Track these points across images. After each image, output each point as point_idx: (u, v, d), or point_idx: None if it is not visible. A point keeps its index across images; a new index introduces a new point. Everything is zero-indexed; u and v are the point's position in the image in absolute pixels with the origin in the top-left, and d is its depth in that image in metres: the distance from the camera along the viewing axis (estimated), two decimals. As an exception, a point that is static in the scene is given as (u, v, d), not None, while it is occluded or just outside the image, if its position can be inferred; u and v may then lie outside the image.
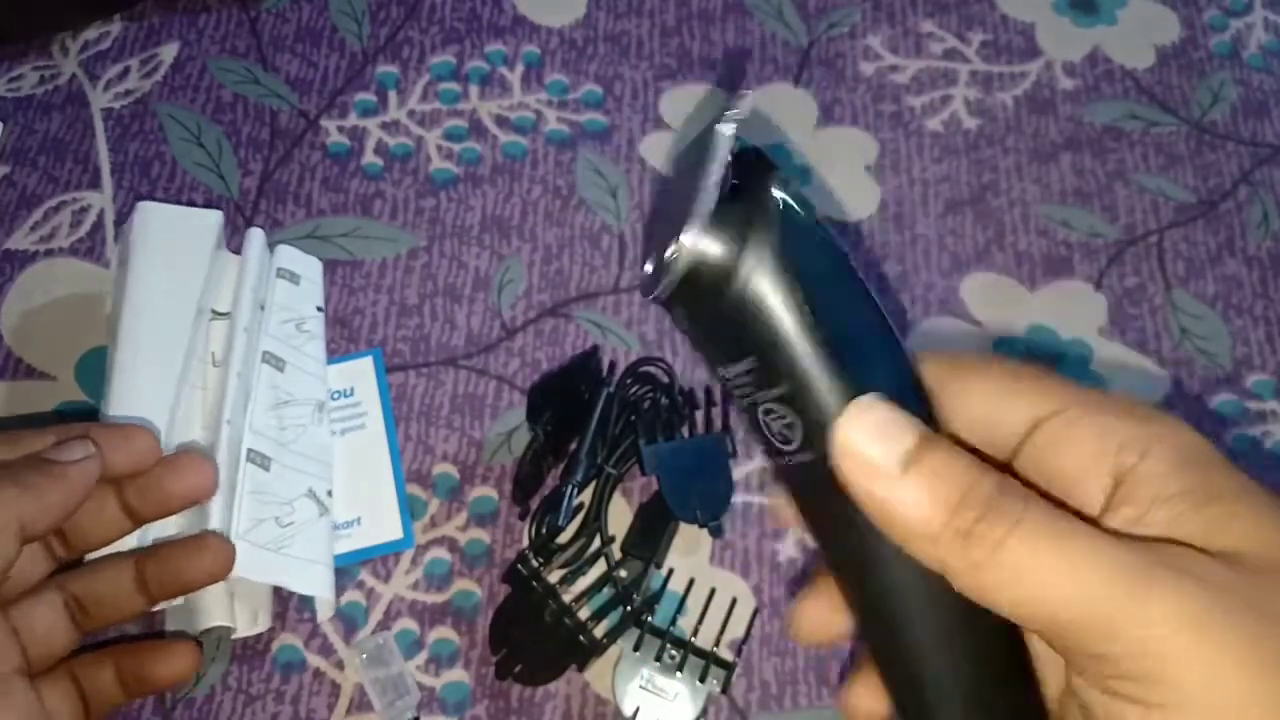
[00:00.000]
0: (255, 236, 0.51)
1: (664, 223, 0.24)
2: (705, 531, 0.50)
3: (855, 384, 0.23)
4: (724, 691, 0.47)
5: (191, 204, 0.57)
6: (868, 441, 0.23)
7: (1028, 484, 0.27)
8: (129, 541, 0.42)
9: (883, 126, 0.62)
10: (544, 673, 0.47)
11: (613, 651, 0.47)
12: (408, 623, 0.49)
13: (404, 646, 0.48)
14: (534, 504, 0.50)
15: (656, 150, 0.61)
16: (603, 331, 0.55)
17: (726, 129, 0.22)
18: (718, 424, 0.52)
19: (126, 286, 0.49)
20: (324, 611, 0.48)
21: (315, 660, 0.48)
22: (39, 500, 0.36)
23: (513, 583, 0.49)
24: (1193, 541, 0.23)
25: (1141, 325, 0.57)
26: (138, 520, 0.41)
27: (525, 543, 0.49)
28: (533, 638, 0.47)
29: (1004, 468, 0.28)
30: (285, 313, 0.51)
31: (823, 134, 0.62)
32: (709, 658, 0.46)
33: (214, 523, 0.44)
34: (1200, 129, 0.63)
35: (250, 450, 0.46)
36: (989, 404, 0.26)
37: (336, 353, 0.54)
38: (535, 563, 0.48)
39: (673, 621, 0.48)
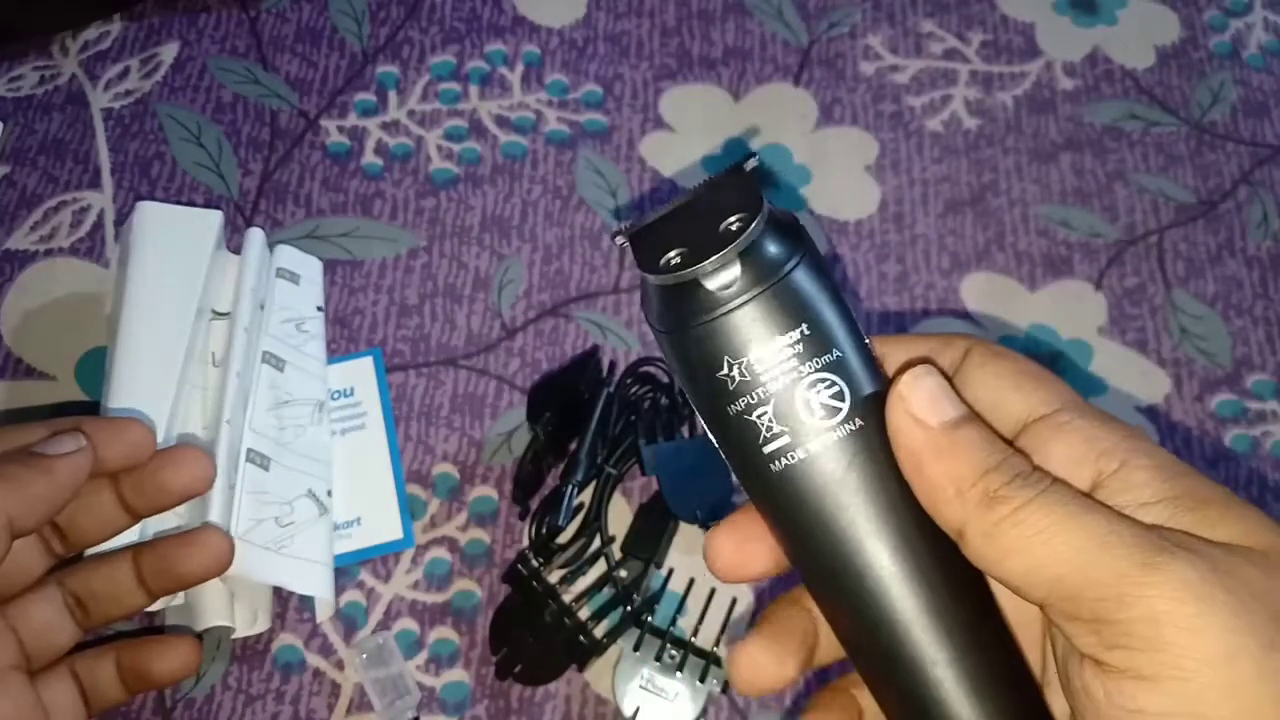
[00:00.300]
0: (255, 236, 0.51)
1: (697, 222, 0.26)
2: (705, 531, 0.50)
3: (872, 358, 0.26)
4: (724, 691, 0.47)
5: (191, 204, 0.57)
6: (922, 403, 0.25)
7: None
8: (130, 538, 0.42)
9: (883, 126, 0.62)
10: (544, 673, 0.47)
11: (613, 651, 0.47)
12: (408, 623, 0.49)
13: (404, 646, 0.48)
14: (534, 504, 0.50)
15: (656, 150, 0.61)
16: (603, 331, 0.55)
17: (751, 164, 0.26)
18: (718, 424, 0.52)
19: (126, 286, 0.49)
20: (324, 611, 0.48)
21: (315, 660, 0.48)
22: (25, 495, 0.35)
23: (513, 583, 0.49)
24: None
25: (1141, 325, 0.57)
26: (135, 515, 0.41)
27: (525, 543, 0.49)
28: (533, 638, 0.47)
29: None
30: (285, 313, 0.51)
31: (823, 134, 0.62)
32: (709, 658, 0.46)
33: (213, 522, 0.43)
34: (1200, 129, 0.63)
35: (250, 450, 0.46)
36: (993, 393, 0.27)
37: (336, 353, 0.54)
38: (535, 563, 0.48)
39: (673, 621, 0.48)
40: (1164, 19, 0.67)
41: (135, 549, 0.41)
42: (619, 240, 0.26)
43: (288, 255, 0.53)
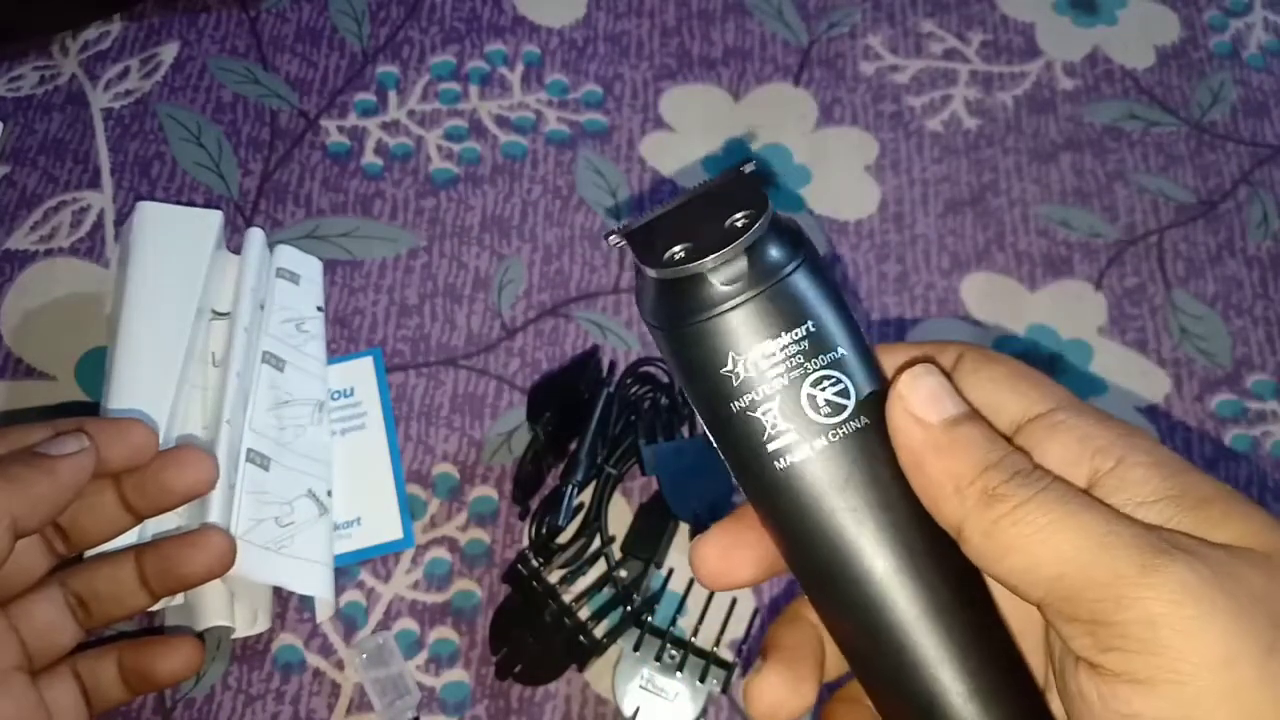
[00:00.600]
0: (255, 236, 0.51)
1: (698, 222, 0.26)
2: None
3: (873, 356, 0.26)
4: (724, 691, 0.47)
5: (191, 204, 0.57)
6: (921, 402, 0.25)
7: None
8: (129, 539, 0.42)
9: (883, 126, 0.62)
10: (544, 673, 0.47)
11: (613, 651, 0.47)
12: (408, 623, 0.49)
13: (404, 646, 0.48)
14: (534, 504, 0.50)
15: (656, 150, 0.61)
16: (603, 331, 0.55)
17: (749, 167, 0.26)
18: (718, 424, 0.52)
19: (126, 286, 0.49)
20: (324, 611, 0.48)
21: (315, 660, 0.48)
22: (29, 494, 0.35)
23: (513, 583, 0.49)
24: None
25: (1141, 325, 0.57)
26: (138, 516, 0.41)
27: (525, 543, 0.49)
28: (533, 638, 0.47)
29: None
30: (285, 313, 0.51)
31: (823, 134, 0.62)
32: (709, 658, 0.46)
33: (213, 522, 0.43)
34: (1200, 129, 0.63)
35: (250, 450, 0.46)
36: (985, 399, 0.27)
37: (336, 353, 0.54)
38: (535, 563, 0.48)
39: (673, 621, 0.48)
40: (1164, 19, 0.67)
41: (137, 549, 0.41)
42: (613, 240, 0.26)
43: (288, 255, 0.53)
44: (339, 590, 0.48)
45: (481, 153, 0.60)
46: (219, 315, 0.50)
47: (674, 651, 0.47)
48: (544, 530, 0.48)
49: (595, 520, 0.49)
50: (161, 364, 0.47)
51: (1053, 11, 0.67)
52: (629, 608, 0.47)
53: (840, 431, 0.25)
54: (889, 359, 0.28)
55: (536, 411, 0.52)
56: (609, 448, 0.50)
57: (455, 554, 0.50)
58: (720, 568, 0.29)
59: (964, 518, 0.24)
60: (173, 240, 0.50)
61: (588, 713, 0.47)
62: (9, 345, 0.53)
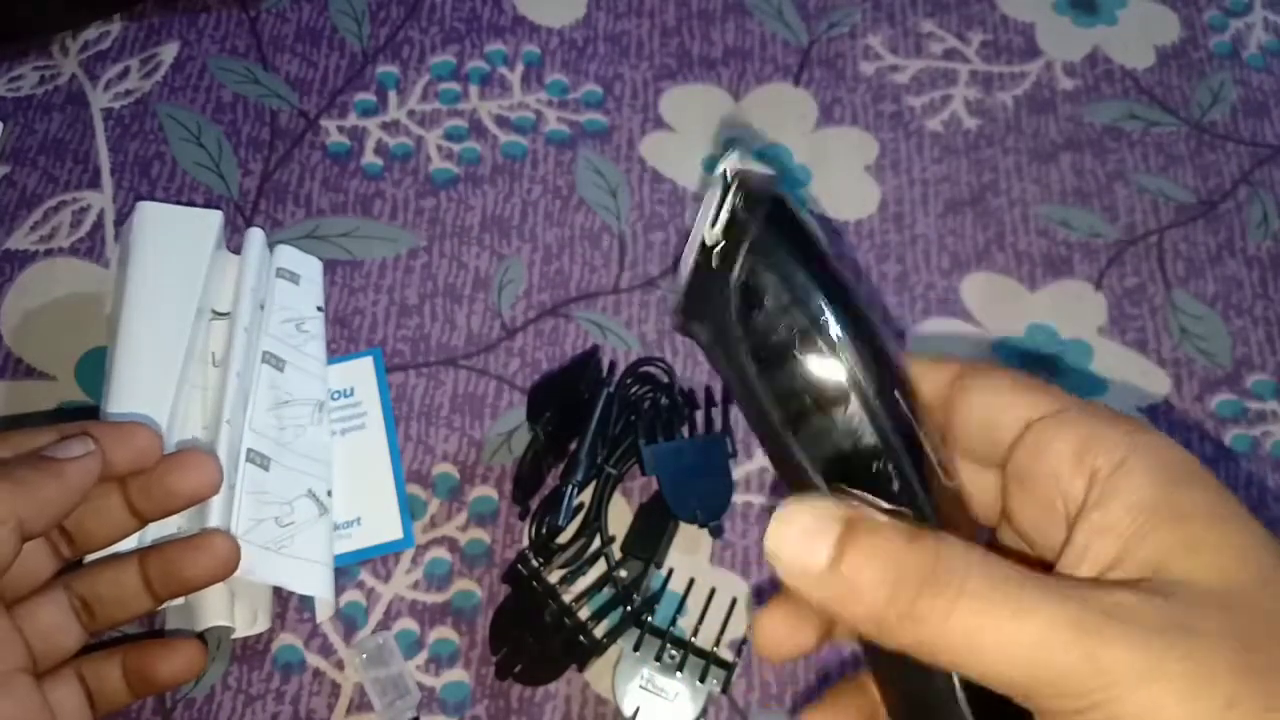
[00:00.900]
0: (255, 236, 0.51)
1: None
2: (705, 531, 0.50)
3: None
4: (724, 691, 0.47)
5: (191, 204, 0.57)
6: (794, 549, 0.23)
7: (1014, 490, 0.27)
8: (129, 543, 0.42)
9: (883, 126, 0.62)
10: (544, 673, 0.47)
11: (613, 651, 0.47)
12: (408, 623, 0.49)
13: (404, 646, 0.48)
14: (534, 504, 0.50)
15: (656, 150, 0.61)
16: (603, 331, 0.55)
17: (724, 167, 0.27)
18: (718, 424, 0.52)
19: (126, 286, 0.49)
20: (324, 611, 0.48)
21: (315, 660, 0.48)
22: (36, 497, 0.35)
23: (513, 583, 0.49)
24: (1154, 559, 0.23)
25: (1141, 325, 0.57)
26: (142, 519, 0.41)
27: (525, 543, 0.49)
28: (533, 638, 0.47)
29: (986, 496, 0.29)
30: (285, 313, 0.51)
31: (823, 134, 0.62)
32: (709, 658, 0.46)
33: (214, 522, 0.44)
34: (1200, 129, 0.63)
35: (250, 450, 0.46)
36: (988, 406, 0.27)
37: (336, 353, 0.54)
38: (535, 563, 0.48)
39: (673, 621, 0.48)
40: (1164, 19, 0.67)
41: (141, 553, 0.41)
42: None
43: (288, 255, 0.53)
44: (339, 590, 0.48)
45: (481, 153, 0.60)
46: (219, 315, 0.50)
47: (674, 651, 0.47)
48: (544, 530, 0.48)
49: (595, 520, 0.49)
50: (161, 364, 0.47)
51: (1053, 11, 0.67)
52: (629, 608, 0.47)
53: None
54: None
55: (536, 411, 0.52)
56: (609, 448, 0.50)
57: (455, 554, 0.50)
58: (782, 638, 0.29)
59: (899, 642, 0.23)
60: (173, 240, 0.50)
61: (588, 713, 0.47)
62: (9, 345, 0.53)
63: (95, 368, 0.52)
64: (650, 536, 0.49)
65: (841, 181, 0.60)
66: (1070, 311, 0.57)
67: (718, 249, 0.25)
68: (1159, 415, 0.55)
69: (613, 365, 0.54)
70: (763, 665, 0.48)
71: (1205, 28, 0.67)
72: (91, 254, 0.56)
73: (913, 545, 0.23)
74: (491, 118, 0.61)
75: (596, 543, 0.48)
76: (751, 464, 0.52)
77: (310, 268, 0.54)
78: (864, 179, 0.61)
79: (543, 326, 0.55)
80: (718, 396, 0.53)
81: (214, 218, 0.51)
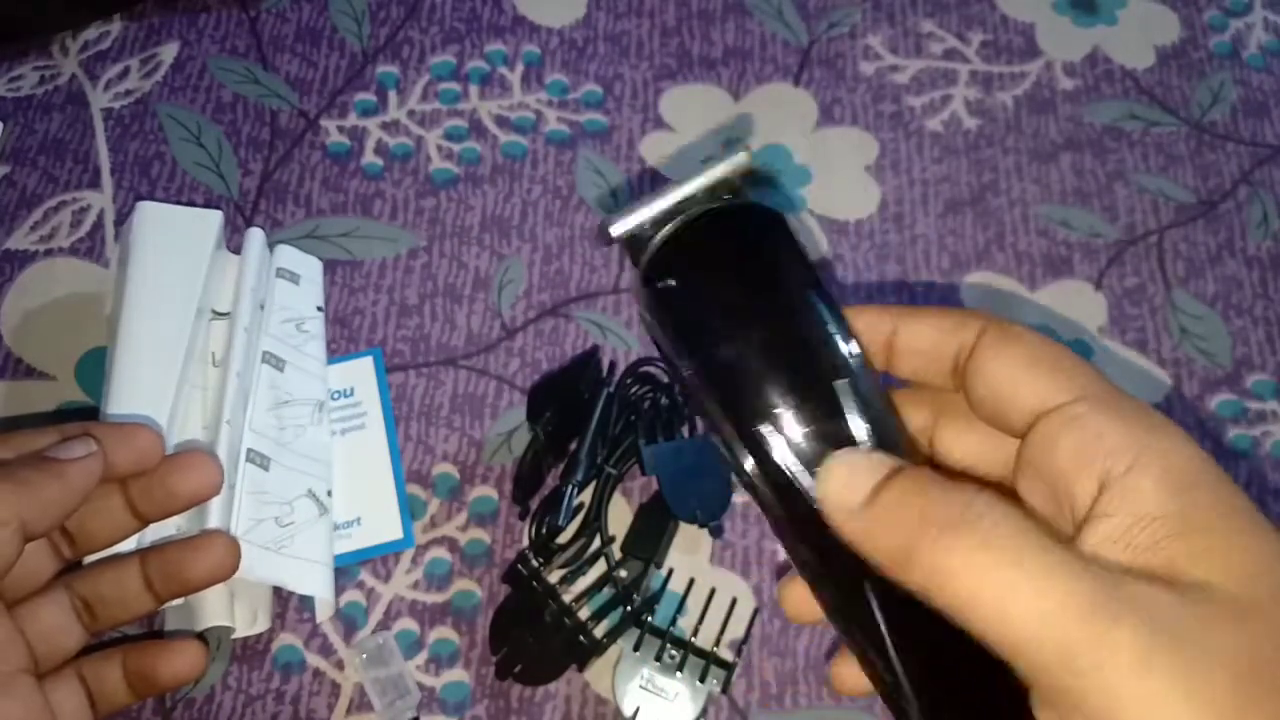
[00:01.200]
0: (255, 236, 0.51)
1: None
2: (705, 531, 0.50)
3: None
4: (724, 691, 0.47)
5: (191, 204, 0.57)
6: (839, 485, 0.25)
7: (1022, 480, 0.27)
8: (129, 543, 0.42)
9: (883, 126, 0.62)
10: (544, 673, 0.47)
11: (613, 651, 0.47)
12: (408, 623, 0.49)
13: (404, 646, 0.48)
14: (534, 504, 0.50)
15: (656, 150, 0.61)
16: (603, 331, 0.55)
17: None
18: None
19: (126, 286, 0.49)
20: (324, 611, 0.48)
21: (315, 660, 0.48)
22: (39, 498, 0.36)
23: (513, 583, 0.49)
24: (1166, 569, 0.23)
25: (1141, 325, 0.57)
26: (144, 520, 0.41)
27: (525, 543, 0.49)
28: (533, 638, 0.47)
29: (999, 482, 0.29)
30: (285, 313, 0.51)
31: (823, 134, 0.62)
32: (709, 658, 0.46)
33: (214, 523, 0.44)
34: (1200, 129, 0.63)
35: (250, 450, 0.46)
36: (1005, 382, 0.26)
37: (336, 353, 0.54)
38: (535, 563, 0.48)
39: (673, 621, 0.48)
40: (1164, 19, 0.67)
41: (142, 553, 0.41)
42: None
43: (288, 255, 0.53)
44: (339, 590, 0.48)
45: (481, 153, 0.60)
46: (219, 315, 0.50)
47: (674, 651, 0.47)
48: (544, 530, 0.48)
49: (595, 520, 0.49)
50: (161, 364, 0.47)
51: (1053, 11, 0.67)
52: (629, 608, 0.47)
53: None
54: (912, 326, 0.28)
55: (536, 411, 0.52)
56: (609, 448, 0.50)
57: (455, 554, 0.50)
58: (805, 601, 0.29)
59: (918, 584, 0.23)
60: (173, 240, 0.50)
61: (588, 713, 0.47)
62: (9, 345, 0.53)
63: (95, 368, 0.52)
64: (650, 536, 0.49)
65: (841, 181, 0.60)
66: (1070, 311, 0.57)
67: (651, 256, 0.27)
68: (1159, 415, 0.55)
69: (613, 365, 0.54)
70: (763, 665, 0.48)
71: (1205, 28, 0.67)
72: (91, 254, 0.56)
73: (947, 490, 0.24)
74: (491, 118, 0.61)
75: (596, 543, 0.48)
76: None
77: (310, 268, 0.54)
78: (864, 179, 0.61)
79: (543, 326, 0.55)
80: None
81: (214, 218, 0.51)
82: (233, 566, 0.41)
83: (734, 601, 0.48)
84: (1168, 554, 0.23)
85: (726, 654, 0.47)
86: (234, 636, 0.47)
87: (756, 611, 0.49)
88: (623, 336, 0.55)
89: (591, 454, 0.49)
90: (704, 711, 0.46)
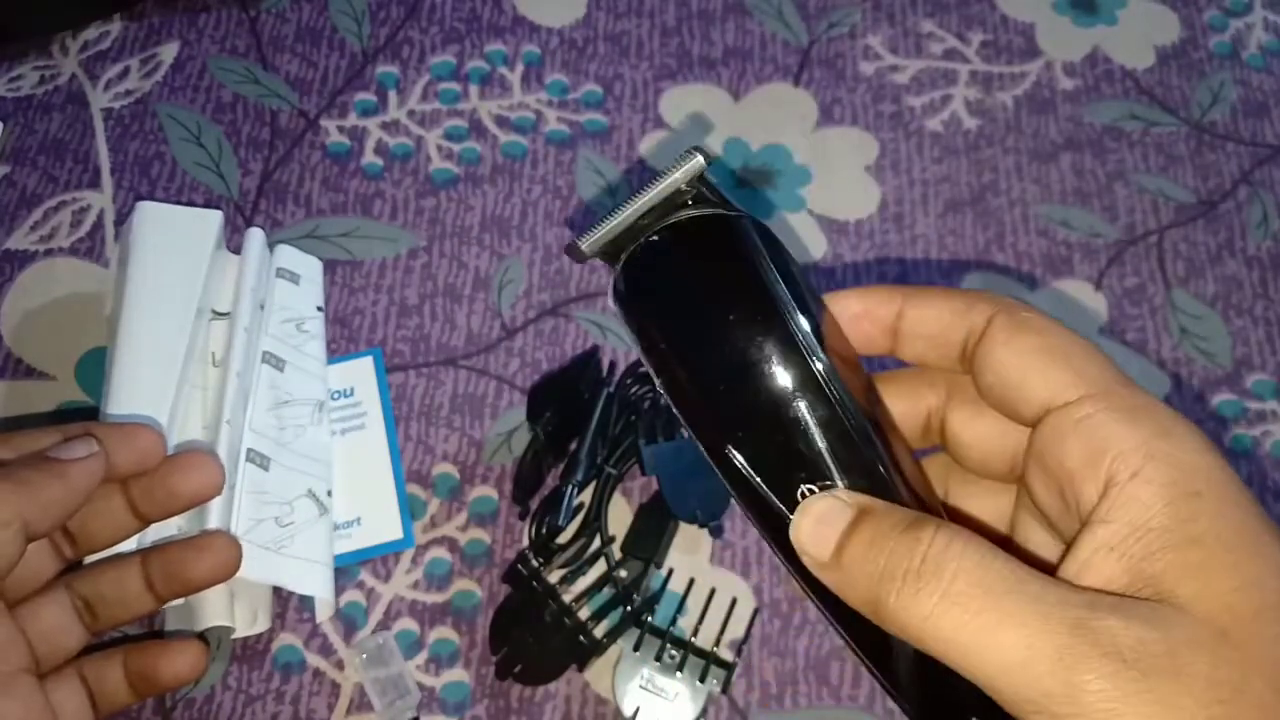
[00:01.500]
0: (255, 236, 0.51)
1: None
2: (705, 531, 0.50)
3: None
4: (724, 691, 0.47)
5: (191, 204, 0.57)
6: (808, 540, 0.25)
7: (1032, 472, 0.26)
8: (129, 543, 0.42)
9: (883, 126, 0.62)
10: (544, 673, 0.47)
11: (613, 651, 0.47)
12: (408, 623, 0.49)
13: (404, 646, 0.48)
14: (534, 504, 0.50)
15: (656, 150, 0.61)
16: (603, 331, 0.55)
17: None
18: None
19: (126, 286, 0.49)
20: (324, 611, 0.48)
21: (315, 660, 0.48)
22: (40, 499, 0.36)
23: (513, 583, 0.49)
24: (1155, 583, 0.22)
25: (1141, 325, 0.57)
26: (145, 520, 0.41)
27: (525, 543, 0.49)
28: (533, 638, 0.47)
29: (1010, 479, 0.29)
30: (285, 313, 0.51)
31: (823, 134, 0.62)
32: (709, 658, 0.46)
33: (213, 523, 0.44)
34: (1200, 129, 0.63)
35: (250, 450, 0.46)
36: (1014, 373, 0.26)
37: (336, 353, 0.54)
38: (535, 563, 0.48)
39: (673, 621, 0.48)
40: (1164, 19, 0.67)
41: (143, 553, 0.41)
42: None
43: (288, 255, 0.53)
44: (339, 590, 0.48)
45: (481, 153, 0.60)
46: (219, 315, 0.50)
47: (674, 651, 0.47)
48: (544, 530, 0.48)
49: (595, 520, 0.49)
50: (161, 364, 0.47)
51: (1053, 11, 0.67)
52: (629, 608, 0.47)
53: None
54: (922, 307, 0.28)
55: (536, 411, 0.52)
56: (609, 448, 0.50)
57: (455, 554, 0.50)
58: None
59: (893, 628, 0.24)
60: (173, 240, 0.50)
61: (588, 713, 0.47)
62: (9, 345, 0.53)
63: (95, 368, 0.52)
64: (650, 536, 0.49)
65: (841, 181, 0.60)
66: (1070, 311, 0.57)
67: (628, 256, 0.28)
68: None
69: (613, 365, 0.54)
70: (763, 665, 0.48)
71: (1205, 28, 0.67)
72: (91, 254, 0.56)
73: (904, 537, 0.24)
74: (491, 118, 0.61)
75: (596, 543, 0.48)
76: (751, 464, 0.52)
77: (310, 268, 0.54)
78: (864, 179, 0.61)
79: (543, 326, 0.55)
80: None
81: (214, 218, 0.51)
82: (234, 566, 0.41)
83: (734, 601, 0.48)
84: (1160, 566, 0.22)
85: (726, 654, 0.47)
86: (234, 636, 0.47)
87: (756, 611, 0.49)
88: (623, 336, 0.55)
89: (591, 454, 0.49)
90: (704, 711, 0.46)
